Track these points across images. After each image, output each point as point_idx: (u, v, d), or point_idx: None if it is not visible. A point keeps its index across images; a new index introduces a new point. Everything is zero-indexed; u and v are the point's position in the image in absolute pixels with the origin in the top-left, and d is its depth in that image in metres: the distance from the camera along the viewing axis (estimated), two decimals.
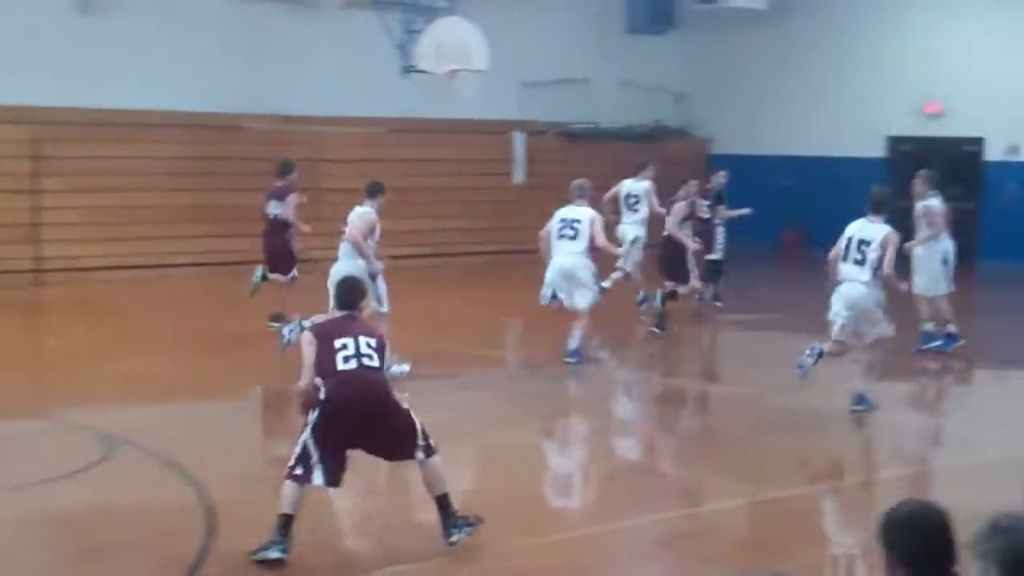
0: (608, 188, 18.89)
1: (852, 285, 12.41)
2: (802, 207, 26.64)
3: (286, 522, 7.85)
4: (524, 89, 26.79)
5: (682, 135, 29.86)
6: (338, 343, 8.03)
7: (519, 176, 27.39)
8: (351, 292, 8.53)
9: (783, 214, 26.10)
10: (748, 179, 25.58)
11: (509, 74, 25.42)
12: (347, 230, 13.74)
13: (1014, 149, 25.71)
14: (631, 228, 18.60)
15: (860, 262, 12.35)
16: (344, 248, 13.75)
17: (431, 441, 8.15)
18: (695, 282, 18.03)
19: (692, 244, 17.64)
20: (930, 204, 15.93)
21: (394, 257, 21.63)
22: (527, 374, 15.11)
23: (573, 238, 14.86)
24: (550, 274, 14.97)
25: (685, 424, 13.44)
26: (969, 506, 9.86)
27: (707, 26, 28.90)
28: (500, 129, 27.15)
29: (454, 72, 22.92)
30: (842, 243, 12.52)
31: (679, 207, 17.66)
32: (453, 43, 23.12)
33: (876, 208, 12.60)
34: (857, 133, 27.40)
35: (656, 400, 14.40)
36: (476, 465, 10.87)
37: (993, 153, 26.10)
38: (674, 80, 29.74)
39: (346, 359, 7.97)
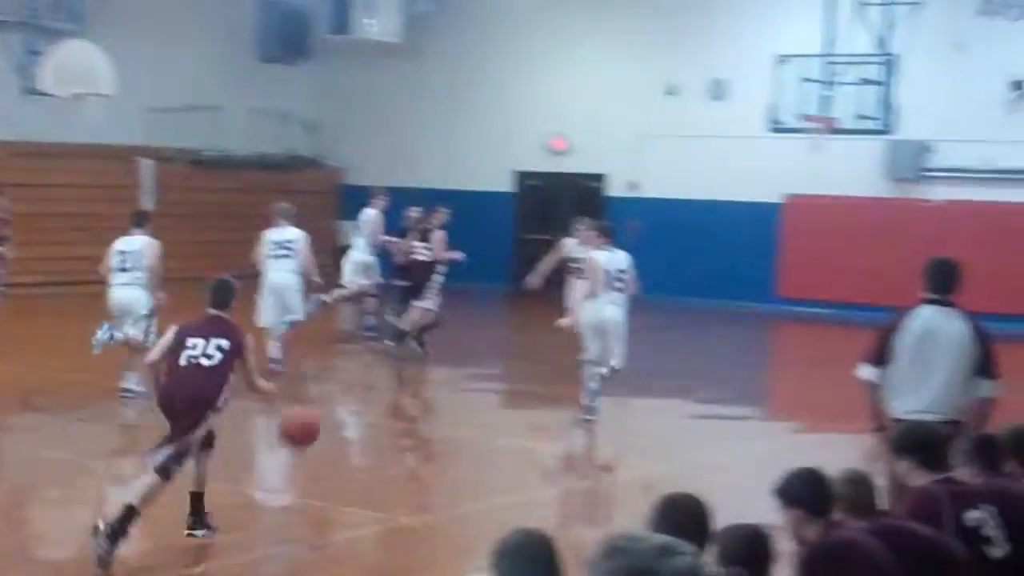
0: (241, 215, 18.66)
1: (616, 309, 13.83)
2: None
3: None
4: (152, 115, 26.12)
5: (315, 165, 29.78)
6: (190, 342, 8.66)
7: (147, 203, 26.67)
8: (222, 293, 9.05)
9: None
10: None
11: (136, 99, 24.72)
12: (138, 260, 14.14)
13: (633, 185, 26.85)
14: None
15: (621, 289, 13.84)
16: (125, 276, 14.12)
17: (174, 466, 8.55)
18: (426, 304, 17.83)
19: (457, 256, 17.94)
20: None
21: (16, 285, 20.76)
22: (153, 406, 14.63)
23: (287, 257, 16.00)
24: (266, 293, 15.97)
25: (313, 453, 13.29)
26: (600, 528, 10.18)
27: (341, 56, 28.94)
28: (127, 155, 26.39)
29: (79, 96, 22.18)
30: (599, 274, 13.70)
31: (441, 234, 18.03)
32: (78, 66, 22.39)
33: (611, 236, 14.11)
34: (487, 167, 28.03)
35: (283, 430, 14.13)
36: (95, 503, 10.45)
37: (614, 189, 27.19)
38: (307, 110, 29.64)
39: (188, 357, 8.60)
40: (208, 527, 9.03)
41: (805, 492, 5.76)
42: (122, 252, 14.29)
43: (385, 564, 9.11)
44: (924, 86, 23.13)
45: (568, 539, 7.89)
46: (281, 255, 16.00)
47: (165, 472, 8.48)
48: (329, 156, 30.15)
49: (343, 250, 20.96)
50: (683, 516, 5.19)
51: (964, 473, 6.54)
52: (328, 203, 29.07)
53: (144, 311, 14.12)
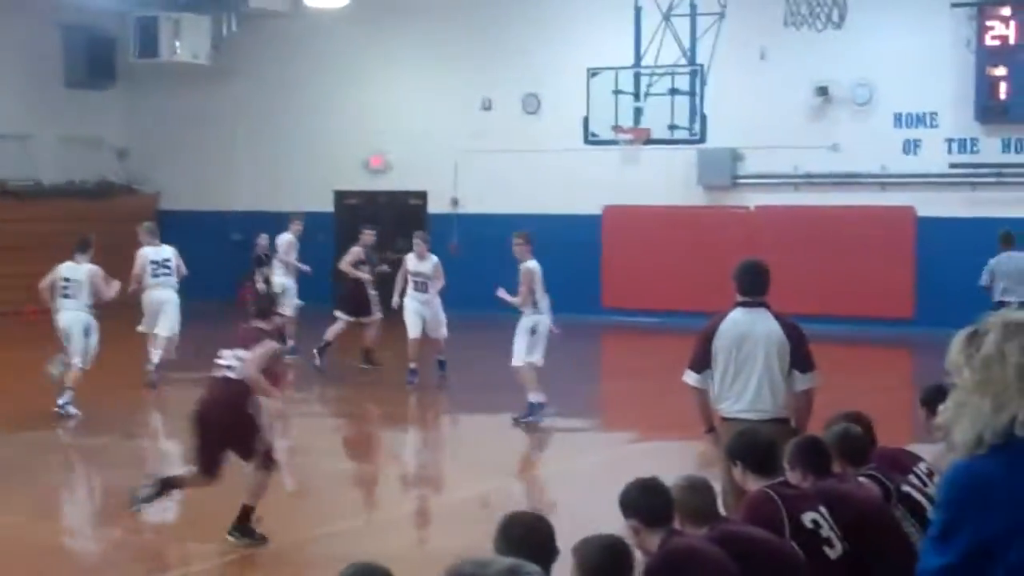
0: (55, 245, 18.05)
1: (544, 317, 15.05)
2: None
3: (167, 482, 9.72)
4: None
5: (129, 191, 29.26)
6: (220, 354, 9.58)
7: None
8: (264, 302, 10.24)
9: (238, 269, 25.97)
10: (201, 234, 25.42)
11: None
12: (79, 284, 15.12)
13: (455, 202, 26.98)
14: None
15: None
16: (70, 302, 15.10)
17: (272, 457, 9.63)
18: (377, 313, 18.96)
19: (365, 276, 19.10)
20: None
21: None
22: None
23: (168, 275, 17.15)
24: (149, 309, 17.04)
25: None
26: (441, 548, 10.19)
27: (150, 81, 28.47)
28: None
29: None
30: (536, 283, 14.96)
31: (355, 251, 19.34)
32: None
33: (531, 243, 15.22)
34: (306, 187, 27.79)
35: (115, 465, 13.85)
36: None
37: (436, 205, 27.25)
38: (118, 135, 29.12)
39: (216, 368, 9.56)
40: (251, 536, 9.65)
41: (642, 502, 5.85)
42: (67, 279, 15.25)
43: None
44: (732, 95, 23.68)
45: (413, 562, 7.92)
46: (162, 273, 17.10)
47: (268, 464, 9.63)
48: (143, 182, 29.65)
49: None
50: (527, 535, 5.23)
51: (794, 476, 6.72)
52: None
53: (86, 334, 15.16)
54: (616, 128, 23.71)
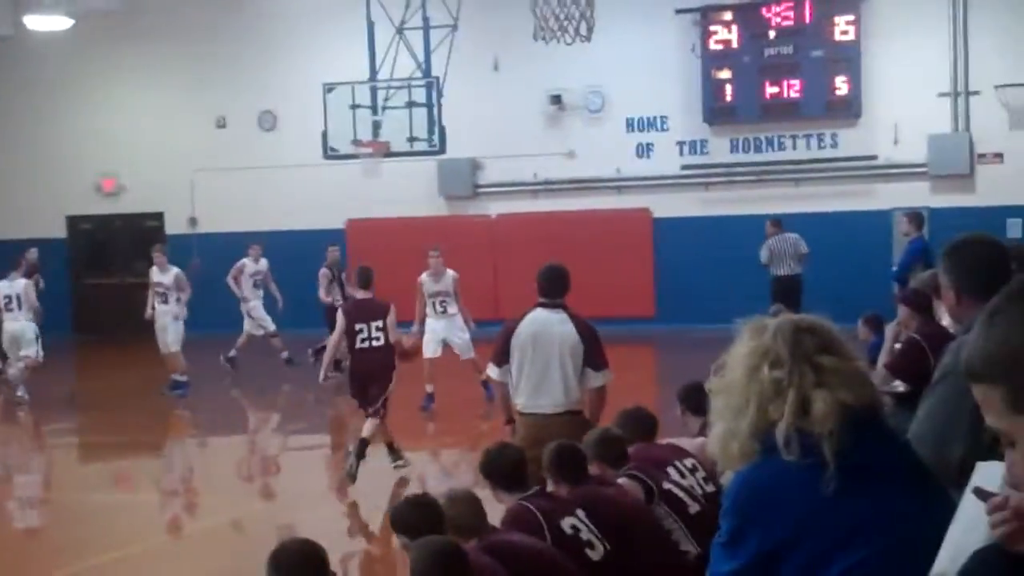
0: None
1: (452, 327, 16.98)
2: None
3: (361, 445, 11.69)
4: None
5: None
6: (357, 327, 12.04)
7: None
8: (366, 276, 12.65)
9: None
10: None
11: None
12: (21, 299, 17.97)
13: (193, 222, 26.54)
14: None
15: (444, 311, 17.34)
16: (13, 313, 18.08)
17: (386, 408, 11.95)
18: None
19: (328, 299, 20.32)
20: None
21: None
22: None
23: (18, 308, 18.30)
24: (6, 341, 18.59)
25: None
26: (213, 570, 9.99)
27: None
28: None
29: None
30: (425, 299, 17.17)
31: (324, 272, 20.77)
32: None
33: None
34: (38, 214, 26.99)
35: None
36: None
37: (174, 226, 26.73)
38: None
39: (361, 341, 11.98)
40: (401, 457, 12.22)
41: (411, 518, 5.89)
42: (7, 295, 18.04)
43: None
44: (469, 106, 23.90)
45: None
46: (12, 307, 18.30)
47: (377, 415, 11.80)
48: None
49: None
50: (299, 564, 5.20)
51: (551, 485, 6.80)
52: None
53: (33, 336, 18.08)
54: (355, 142, 23.68)
